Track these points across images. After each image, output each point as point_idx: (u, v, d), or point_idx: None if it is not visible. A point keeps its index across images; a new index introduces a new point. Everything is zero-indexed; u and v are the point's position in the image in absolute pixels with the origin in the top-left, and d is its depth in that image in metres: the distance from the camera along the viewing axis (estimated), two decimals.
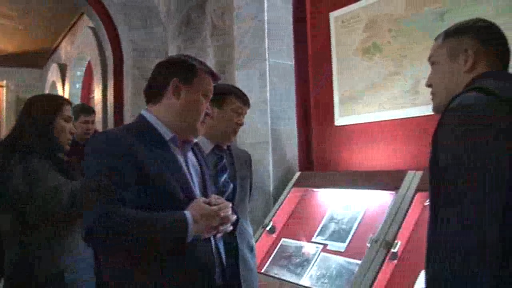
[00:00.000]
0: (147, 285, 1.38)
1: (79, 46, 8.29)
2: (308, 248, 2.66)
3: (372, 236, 2.29)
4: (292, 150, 3.37)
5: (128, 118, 5.55)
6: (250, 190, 2.35)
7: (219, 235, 1.51)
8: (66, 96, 8.82)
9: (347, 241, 2.53)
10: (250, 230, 2.23)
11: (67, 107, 2.10)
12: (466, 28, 1.37)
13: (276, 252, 2.79)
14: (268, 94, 3.26)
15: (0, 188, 1.93)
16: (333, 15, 3.25)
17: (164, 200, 1.41)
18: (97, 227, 1.29)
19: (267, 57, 3.28)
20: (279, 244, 2.83)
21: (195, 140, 1.62)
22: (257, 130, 3.29)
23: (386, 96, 2.86)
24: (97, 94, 6.82)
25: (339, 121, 3.19)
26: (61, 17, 8.58)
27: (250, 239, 2.19)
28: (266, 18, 3.31)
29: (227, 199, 1.65)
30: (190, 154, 1.62)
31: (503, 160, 1.10)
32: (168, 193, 1.41)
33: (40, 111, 2.03)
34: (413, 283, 2.04)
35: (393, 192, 2.44)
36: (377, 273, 2.13)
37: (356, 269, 2.26)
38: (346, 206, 2.73)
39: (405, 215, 2.26)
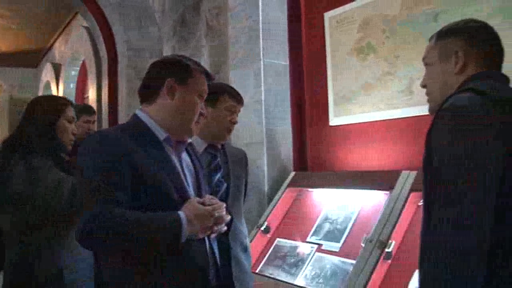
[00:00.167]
0: (142, 285, 1.38)
1: (74, 45, 8.27)
2: (303, 248, 2.66)
3: (366, 236, 2.29)
4: (286, 150, 3.37)
5: (122, 118, 5.54)
6: (246, 189, 2.34)
7: (213, 235, 1.51)
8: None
9: (342, 241, 2.53)
10: (244, 230, 2.22)
11: (70, 108, 2.13)
12: (456, 30, 1.37)
13: (270, 252, 2.79)
14: (263, 94, 3.26)
15: (0, 188, 1.93)
16: (327, 15, 3.26)
17: (158, 200, 1.40)
18: (91, 227, 1.29)
19: (261, 57, 3.28)
20: (273, 244, 2.83)
21: (189, 140, 1.62)
22: (252, 130, 3.29)
23: (380, 96, 2.87)
24: (91, 94, 6.80)
25: (333, 121, 3.20)
26: (55, 17, 8.55)
27: (244, 239, 2.18)
28: (261, 18, 3.31)
29: (220, 199, 1.65)
30: (184, 155, 1.62)
31: (503, 160, 1.11)
32: (162, 193, 1.41)
33: (41, 111, 2.06)
34: (407, 282, 2.05)
35: (388, 192, 2.45)
36: (372, 273, 2.14)
37: (351, 269, 2.26)
38: (341, 206, 2.74)
39: (399, 215, 2.27)
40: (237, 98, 2.18)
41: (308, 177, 3.10)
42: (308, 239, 2.70)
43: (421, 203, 2.18)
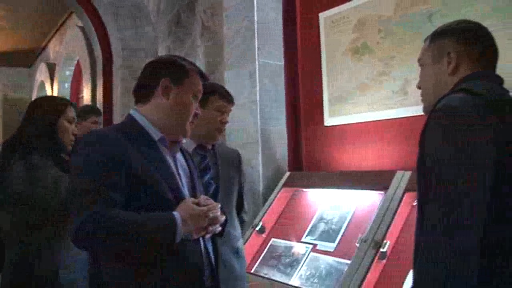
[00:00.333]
0: (142, 285, 1.38)
1: (68, 45, 8.23)
2: (298, 248, 2.66)
3: (361, 236, 2.30)
4: (281, 150, 3.37)
5: (117, 118, 5.52)
6: (242, 190, 2.32)
7: (208, 236, 1.51)
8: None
9: (337, 241, 2.54)
10: (236, 232, 2.19)
11: (71, 108, 2.15)
12: (449, 31, 1.38)
13: (265, 252, 2.79)
14: (258, 94, 3.26)
15: (0, 188, 1.94)
16: (323, 15, 3.26)
17: (153, 200, 1.40)
18: (87, 227, 1.29)
19: (257, 58, 3.28)
20: (268, 244, 2.83)
21: (184, 141, 1.62)
22: (247, 130, 3.29)
23: (375, 96, 2.87)
24: (86, 93, 6.78)
25: (328, 121, 3.20)
26: (50, 16, 8.51)
27: (235, 242, 2.15)
28: (256, 18, 3.31)
29: None
30: (179, 155, 1.62)
31: (497, 161, 1.12)
32: (157, 193, 1.41)
33: (41, 111, 2.08)
34: (402, 282, 2.05)
35: (382, 192, 2.45)
36: (366, 272, 2.14)
37: (346, 269, 2.26)
38: (336, 206, 2.74)
39: (394, 215, 2.28)
40: (228, 98, 2.17)
41: (303, 177, 3.10)
42: (303, 239, 2.70)
43: (415, 203, 2.19)
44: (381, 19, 2.85)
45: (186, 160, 1.65)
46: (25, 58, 11.25)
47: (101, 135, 1.44)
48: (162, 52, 4.68)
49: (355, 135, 3.02)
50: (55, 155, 2.02)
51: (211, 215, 1.45)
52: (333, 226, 2.63)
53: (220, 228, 1.54)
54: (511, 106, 1.22)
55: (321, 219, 2.74)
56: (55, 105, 2.12)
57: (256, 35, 3.30)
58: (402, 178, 2.40)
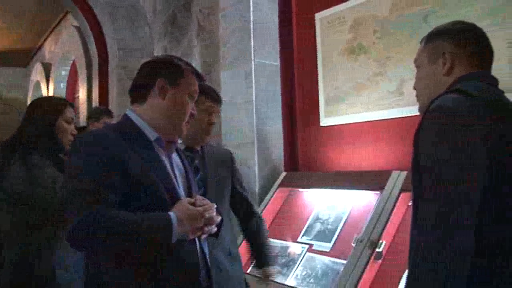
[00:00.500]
0: (142, 285, 1.38)
1: (64, 45, 8.20)
2: (294, 248, 2.66)
3: (357, 236, 2.30)
4: (277, 150, 3.38)
5: (113, 118, 5.51)
6: (237, 189, 2.29)
7: (203, 236, 1.51)
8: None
9: (333, 241, 2.54)
10: (227, 235, 2.12)
11: (69, 109, 2.15)
12: (443, 31, 1.39)
13: None
14: (253, 94, 3.26)
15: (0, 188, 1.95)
16: (319, 16, 3.27)
17: (149, 201, 1.40)
18: (81, 228, 1.29)
19: (253, 58, 3.29)
20: None
21: (180, 141, 1.62)
22: (243, 131, 3.29)
23: (371, 97, 2.88)
24: (82, 94, 6.76)
25: (324, 121, 3.21)
26: (45, 16, 8.48)
27: (228, 244, 2.12)
28: (252, 18, 3.31)
29: None
30: (174, 155, 1.61)
31: (502, 160, 1.12)
32: (153, 194, 1.41)
33: (40, 112, 2.09)
34: (398, 282, 2.06)
35: (378, 192, 2.46)
36: (362, 272, 2.15)
37: (342, 269, 2.27)
38: (332, 206, 2.74)
39: (390, 215, 2.28)
40: (215, 98, 2.15)
41: (299, 177, 3.11)
42: (299, 239, 2.70)
43: (411, 203, 2.19)
44: (377, 20, 2.86)
45: (182, 160, 1.65)
46: (21, 58, 11.21)
47: (100, 135, 1.43)
48: (158, 52, 4.67)
49: (351, 135, 3.02)
50: (55, 155, 2.03)
51: (207, 215, 1.45)
52: (329, 226, 2.63)
53: (215, 229, 1.54)
54: (510, 106, 1.23)
55: (317, 219, 2.74)
56: (54, 105, 2.12)
57: (252, 35, 3.30)
58: (398, 178, 2.40)
